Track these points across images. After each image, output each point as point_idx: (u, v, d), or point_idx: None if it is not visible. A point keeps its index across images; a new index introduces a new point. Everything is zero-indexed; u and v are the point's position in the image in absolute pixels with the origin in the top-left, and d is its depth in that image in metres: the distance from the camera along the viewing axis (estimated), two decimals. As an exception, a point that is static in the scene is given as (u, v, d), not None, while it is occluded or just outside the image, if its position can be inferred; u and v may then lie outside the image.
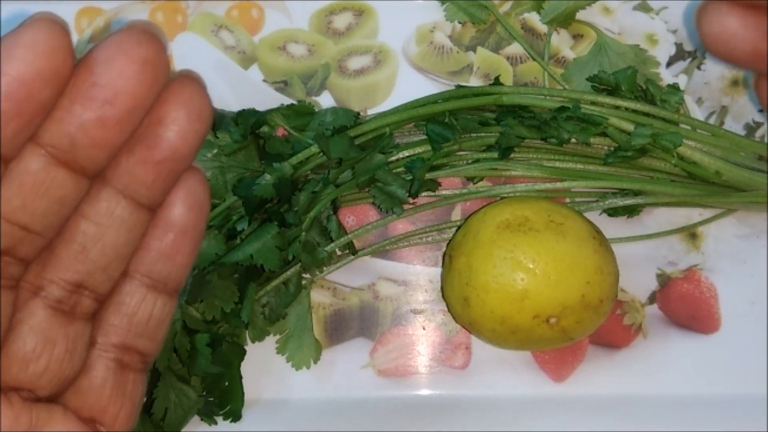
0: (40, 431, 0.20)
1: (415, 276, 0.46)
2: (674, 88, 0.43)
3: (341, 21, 0.48)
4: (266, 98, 0.47)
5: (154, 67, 0.18)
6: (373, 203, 0.43)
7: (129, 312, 0.22)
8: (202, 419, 0.42)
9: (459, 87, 0.45)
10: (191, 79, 0.20)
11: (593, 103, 0.42)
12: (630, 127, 0.41)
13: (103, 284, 0.21)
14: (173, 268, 0.22)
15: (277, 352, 0.44)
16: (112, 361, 0.22)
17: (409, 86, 0.47)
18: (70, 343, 0.21)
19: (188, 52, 0.48)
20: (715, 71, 0.47)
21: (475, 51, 0.48)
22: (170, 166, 0.20)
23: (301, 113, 0.44)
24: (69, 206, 0.19)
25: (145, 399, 0.39)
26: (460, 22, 0.47)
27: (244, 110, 0.42)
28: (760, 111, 0.46)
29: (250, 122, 0.41)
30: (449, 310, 0.43)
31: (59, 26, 0.17)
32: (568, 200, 0.45)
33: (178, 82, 0.19)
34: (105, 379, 0.22)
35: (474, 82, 0.47)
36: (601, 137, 0.42)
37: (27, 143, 0.18)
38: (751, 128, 0.46)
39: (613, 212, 0.44)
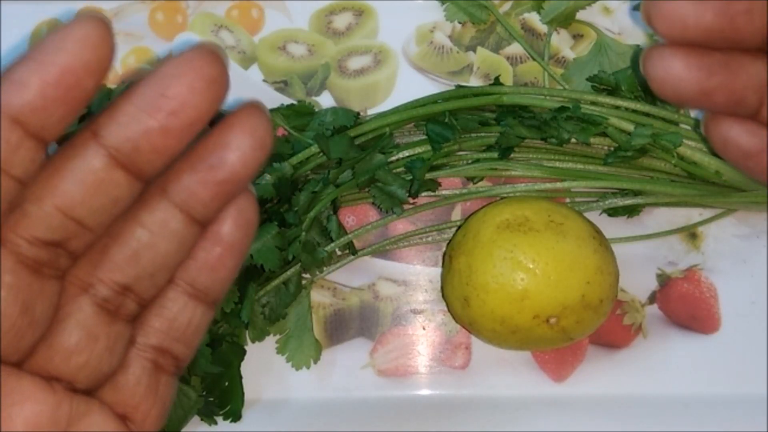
0: (77, 421, 0.21)
1: (415, 276, 0.46)
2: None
3: (341, 21, 0.48)
4: (266, 98, 0.47)
5: (218, 85, 0.20)
6: (373, 203, 0.43)
7: (170, 317, 0.23)
8: (202, 419, 0.42)
9: (459, 87, 0.45)
10: (258, 109, 0.21)
11: (593, 103, 0.42)
12: (630, 127, 0.41)
13: (148, 290, 0.22)
14: (216, 280, 0.23)
15: (277, 352, 0.44)
16: (148, 362, 0.23)
17: (409, 86, 0.47)
18: (111, 342, 0.22)
19: (188, 52, 0.48)
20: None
21: (475, 51, 0.48)
22: (228, 188, 0.21)
23: (301, 113, 0.44)
24: (121, 207, 0.21)
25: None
26: (460, 22, 0.47)
27: (244, 110, 0.42)
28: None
29: (250, 122, 0.41)
30: (449, 310, 0.43)
31: (104, 23, 0.19)
32: (568, 200, 0.45)
33: (247, 110, 0.21)
34: (140, 377, 0.23)
35: (474, 82, 0.47)
36: (601, 137, 0.42)
37: (92, 143, 0.20)
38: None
39: (613, 212, 0.44)
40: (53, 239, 0.20)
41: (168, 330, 0.23)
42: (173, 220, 0.21)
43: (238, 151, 0.21)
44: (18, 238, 0.20)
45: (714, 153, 0.42)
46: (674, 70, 0.23)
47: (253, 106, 0.21)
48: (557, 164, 0.43)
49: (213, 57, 0.20)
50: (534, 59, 0.47)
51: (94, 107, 0.43)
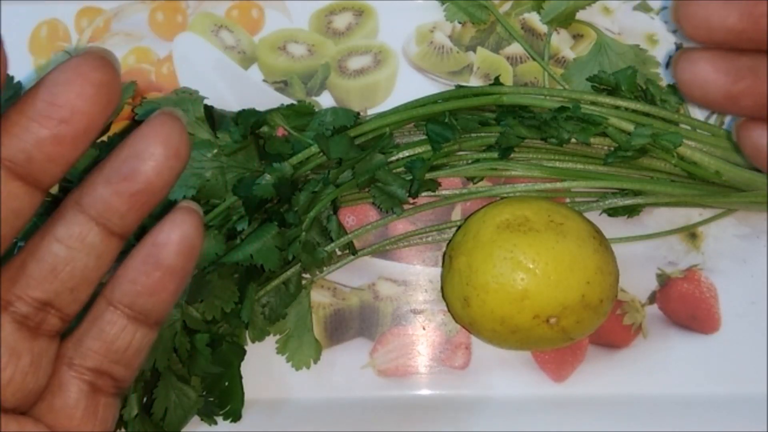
0: None
1: (415, 276, 0.46)
2: (674, 88, 0.43)
3: (341, 21, 0.48)
4: (266, 98, 0.47)
5: (108, 90, 0.20)
6: (373, 203, 0.43)
7: (108, 339, 0.23)
8: (202, 419, 0.42)
9: (459, 87, 0.45)
10: (172, 117, 0.21)
11: (593, 103, 0.42)
12: (630, 127, 0.41)
13: (70, 305, 0.22)
14: (157, 303, 0.22)
15: (277, 352, 0.44)
16: (85, 384, 0.23)
17: (409, 86, 0.47)
18: (35, 358, 0.22)
19: (188, 52, 0.48)
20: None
21: (475, 51, 0.48)
22: (144, 198, 0.21)
23: (301, 113, 0.44)
24: (24, 218, 0.21)
25: (119, 417, 0.40)
26: (460, 22, 0.47)
27: (244, 110, 0.42)
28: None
29: (250, 122, 0.41)
30: (449, 310, 0.43)
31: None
32: (568, 200, 0.45)
33: (159, 118, 0.21)
34: (78, 400, 0.23)
35: (474, 82, 0.47)
36: (601, 137, 0.42)
37: None
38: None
39: (613, 212, 0.44)
40: None
41: (106, 352, 0.23)
42: (90, 233, 0.21)
43: (151, 160, 0.20)
44: None
45: (714, 153, 0.42)
46: (702, 74, 0.23)
47: (166, 114, 0.21)
48: (557, 164, 0.43)
49: (101, 62, 0.20)
50: (534, 59, 0.47)
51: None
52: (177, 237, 0.22)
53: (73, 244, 0.21)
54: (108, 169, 0.21)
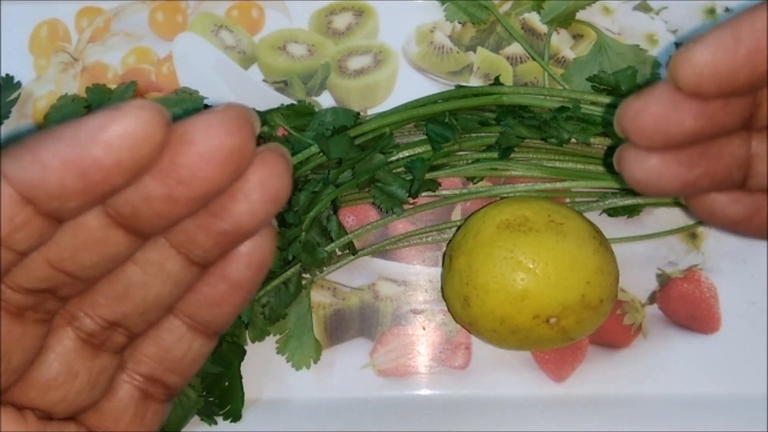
0: None
1: (415, 276, 0.46)
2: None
3: (341, 21, 0.48)
4: (266, 98, 0.47)
5: (239, 158, 0.17)
6: (373, 203, 0.43)
7: (165, 347, 0.21)
8: (202, 419, 0.42)
9: (459, 87, 0.45)
10: (277, 156, 0.18)
11: (593, 103, 0.42)
12: (630, 127, 0.41)
13: (138, 326, 0.21)
14: (219, 315, 0.21)
15: (277, 352, 0.44)
16: (137, 390, 0.22)
17: (409, 86, 0.47)
18: (93, 377, 0.21)
19: (188, 52, 0.48)
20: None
21: (475, 51, 0.48)
22: (232, 238, 0.19)
23: (301, 113, 0.44)
24: (120, 261, 0.19)
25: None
26: (460, 22, 0.47)
27: (244, 110, 0.42)
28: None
29: (250, 122, 0.41)
30: (449, 310, 0.43)
31: (157, 116, 0.16)
32: (568, 200, 0.45)
33: (263, 158, 0.18)
34: (127, 405, 0.22)
35: (474, 82, 0.47)
36: (601, 137, 0.42)
37: None
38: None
39: (613, 212, 0.44)
40: (39, 288, 0.18)
41: (161, 360, 0.22)
42: (169, 261, 0.19)
43: (245, 202, 0.18)
44: (1, 284, 0.18)
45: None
46: (654, 170, 0.22)
47: (272, 153, 0.18)
48: (557, 164, 0.43)
49: (237, 124, 0.17)
50: (534, 59, 0.47)
51: (94, 109, 0.44)
52: (248, 249, 0.20)
53: (149, 270, 0.19)
54: None
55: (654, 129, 0.21)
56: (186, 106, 0.42)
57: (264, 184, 0.18)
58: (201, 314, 0.21)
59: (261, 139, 0.43)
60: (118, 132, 0.16)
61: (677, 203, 0.44)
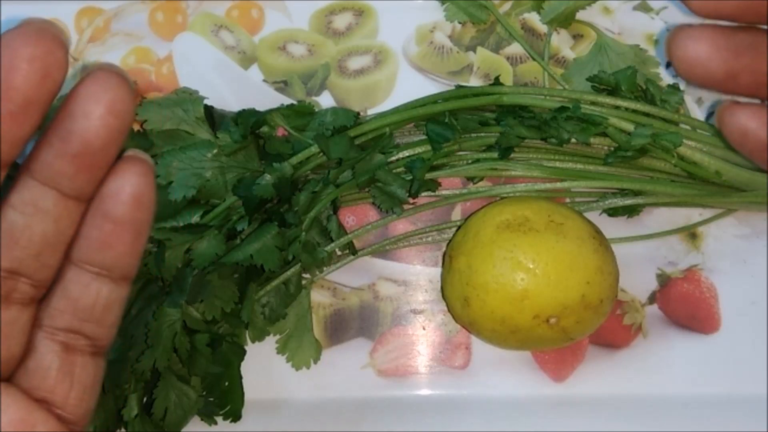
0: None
1: (415, 276, 0.46)
2: (674, 88, 0.43)
3: (341, 21, 0.48)
4: (266, 98, 0.47)
5: (44, 64, 0.19)
6: (373, 203, 0.43)
7: (73, 297, 0.22)
8: (202, 419, 0.42)
9: (459, 87, 0.45)
10: (109, 73, 0.20)
11: (593, 103, 0.42)
12: (630, 127, 0.41)
13: (39, 271, 0.22)
14: (115, 256, 0.22)
15: (277, 352, 0.44)
16: (57, 344, 0.23)
17: (409, 86, 0.47)
18: (7, 327, 0.21)
19: (188, 52, 0.48)
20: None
21: (475, 51, 0.48)
22: (88, 159, 0.20)
23: (301, 113, 0.44)
24: None
25: (119, 417, 0.40)
26: (460, 22, 0.47)
27: (244, 110, 0.42)
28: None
29: (250, 122, 0.41)
30: (449, 310, 0.43)
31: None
32: (568, 200, 0.45)
33: (93, 75, 0.20)
34: (51, 360, 0.23)
35: (474, 82, 0.47)
36: (601, 137, 0.42)
37: None
38: (751, 128, 0.46)
39: (613, 212, 0.44)
40: None
41: (74, 311, 0.22)
42: (42, 198, 0.21)
43: (84, 119, 0.20)
44: None
45: (714, 153, 0.42)
46: (702, 51, 0.22)
47: (104, 70, 0.20)
48: (557, 164, 0.43)
49: (37, 34, 0.20)
50: (534, 59, 0.47)
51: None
52: (125, 187, 0.21)
53: (26, 210, 0.21)
54: (49, 131, 0.20)
55: None
56: (186, 106, 0.42)
57: (98, 98, 0.20)
58: (98, 258, 0.22)
59: (260, 139, 0.43)
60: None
61: (677, 203, 0.44)
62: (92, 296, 0.22)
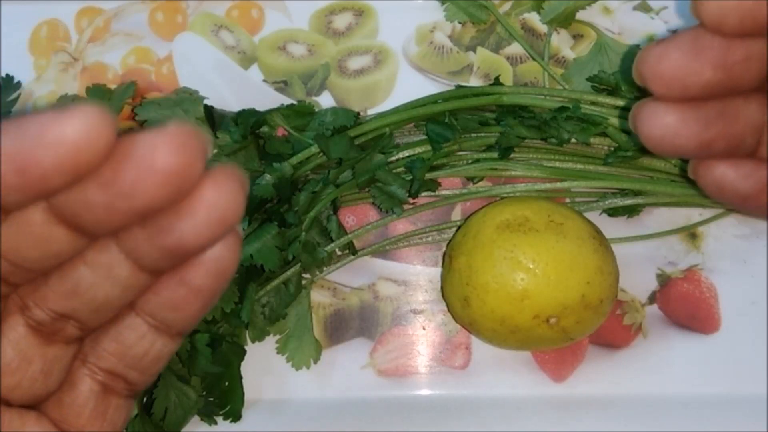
0: None
1: (415, 276, 0.46)
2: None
3: (341, 21, 0.48)
4: (266, 98, 0.47)
5: (182, 178, 0.17)
6: (373, 203, 0.43)
7: (126, 344, 0.22)
8: (202, 419, 0.42)
9: (459, 87, 0.45)
10: (229, 178, 0.18)
11: (593, 103, 0.42)
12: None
13: (91, 321, 0.21)
14: (180, 318, 0.21)
15: (277, 352, 0.44)
16: (97, 384, 0.22)
17: (409, 86, 0.47)
18: (47, 365, 0.21)
19: (188, 52, 0.48)
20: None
21: (475, 51, 0.48)
22: (177, 253, 0.19)
23: (301, 113, 0.44)
24: (65, 257, 0.19)
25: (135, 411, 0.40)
26: (460, 22, 0.47)
27: (244, 110, 0.42)
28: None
29: (250, 122, 0.41)
30: (449, 310, 0.43)
31: (104, 122, 0.16)
32: (568, 200, 0.45)
33: (214, 179, 0.18)
34: (88, 398, 0.22)
35: (474, 82, 0.47)
36: (601, 137, 0.42)
37: None
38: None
39: (613, 212, 0.44)
40: None
41: (122, 356, 0.22)
42: (119, 266, 0.19)
43: (190, 221, 0.18)
44: None
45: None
46: (671, 127, 0.22)
47: (226, 173, 0.18)
48: (557, 164, 0.43)
49: (184, 143, 0.17)
50: (534, 59, 0.47)
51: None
52: (210, 258, 0.20)
53: (99, 272, 0.20)
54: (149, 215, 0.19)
55: (673, 76, 0.21)
56: (186, 106, 0.42)
57: (211, 205, 0.18)
58: (162, 315, 0.21)
59: (260, 139, 0.43)
60: (61, 135, 0.16)
61: (677, 203, 0.44)
62: (145, 347, 0.22)
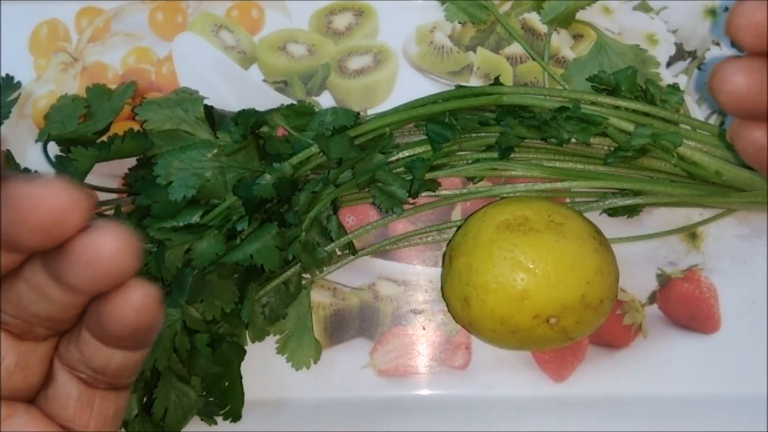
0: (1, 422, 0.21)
1: (415, 276, 0.46)
2: (674, 88, 0.43)
3: (341, 21, 0.48)
4: (266, 98, 0.47)
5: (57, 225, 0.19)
6: (373, 203, 0.43)
7: (86, 356, 0.22)
8: (202, 419, 0.42)
9: (459, 87, 0.45)
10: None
11: (593, 103, 0.42)
12: (630, 127, 0.41)
13: (53, 326, 0.22)
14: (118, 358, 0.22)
15: (277, 352, 0.44)
16: (75, 378, 0.23)
17: (409, 86, 0.47)
18: (22, 358, 0.22)
19: (188, 52, 0.48)
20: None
21: (475, 51, 0.48)
22: (95, 279, 0.20)
23: (301, 113, 0.44)
24: (3, 271, 0.20)
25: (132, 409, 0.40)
26: (460, 22, 0.47)
27: (244, 110, 0.42)
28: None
29: (250, 122, 0.41)
30: (449, 310, 0.43)
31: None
32: (568, 200, 0.45)
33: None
34: (69, 391, 0.23)
35: (474, 82, 0.47)
36: (601, 137, 0.42)
37: None
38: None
39: (613, 212, 0.44)
40: None
41: (86, 364, 0.22)
42: (49, 288, 0.20)
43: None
44: None
45: (714, 153, 0.42)
46: (755, 84, 0.22)
47: (111, 227, 0.20)
48: (557, 164, 0.43)
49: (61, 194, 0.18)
50: (534, 59, 0.47)
51: (93, 109, 0.43)
52: (130, 310, 0.21)
53: (36, 290, 0.20)
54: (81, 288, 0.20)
55: (756, 24, 0.22)
56: (186, 106, 0.42)
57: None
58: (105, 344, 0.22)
59: (260, 139, 0.43)
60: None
61: (677, 203, 0.44)
62: (104, 360, 0.22)
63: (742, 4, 0.22)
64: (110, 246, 0.19)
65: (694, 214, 0.45)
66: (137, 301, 0.20)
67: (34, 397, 0.23)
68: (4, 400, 0.22)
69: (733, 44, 0.23)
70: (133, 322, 0.21)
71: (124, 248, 0.19)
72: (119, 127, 0.44)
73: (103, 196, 0.44)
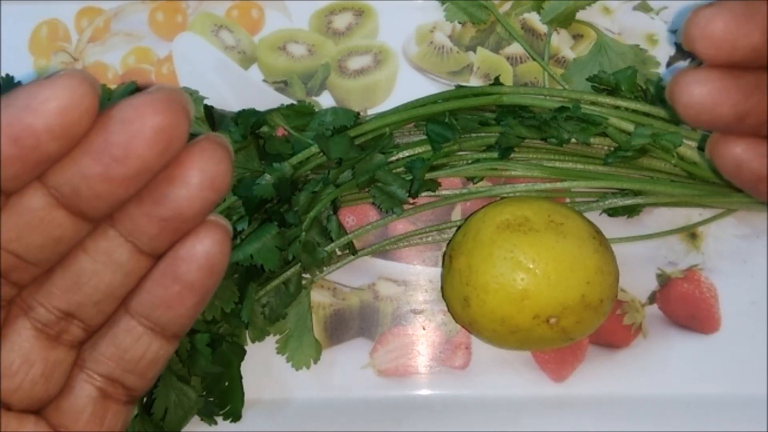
0: None
1: (415, 276, 0.46)
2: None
3: (341, 21, 0.48)
4: (266, 98, 0.47)
5: (170, 136, 0.18)
6: (373, 203, 0.43)
7: (122, 347, 0.22)
8: (202, 419, 0.42)
9: (459, 87, 0.45)
10: (215, 145, 0.19)
11: (593, 103, 0.42)
12: (630, 127, 0.41)
13: (94, 317, 0.21)
14: (174, 316, 0.22)
15: (277, 352, 0.44)
16: (95, 389, 0.22)
17: (409, 86, 0.47)
18: (48, 368, 0.21)
19: (188, 52, 0.48)
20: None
21: (475, 51, 0.48)
22: (174, 225, 0.20)
23: (301, 113, 0.44)
24: (66, 244, 0.20)
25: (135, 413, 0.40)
26: (460, 22, 0.47)
27: (244, 110, 0.42)
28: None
29: (250, 122, 0.41)
30: (449, 310, 0.43)
31: (86, 85, 0.18)
32: (568, 200, 0.45)
33: (201, 146, 0.19)
34: (86, 404, 0.22)
35: (474, 82, 0.47)
36: (601, 137, 0.42)
37: (34, 181, 0.19)
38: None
39: (613, 212, 0.44)
40: None
41: (119, 360, 0.22)
42: (118, 250, 0.20)
43: (183, 188, 0.19)
44: None
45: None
46: (710, 96, 0.22)
47: (211, 142, 0.19)
48: (557, 164, 0.43)
49: (164, 104, 0.18)
50: (534, 59, 0.47)
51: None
52: (200, 252, 0.20)
53: (99, 258, 0.20)
54: (143, 189, 0.19)
55: (723, 38, 0.21)
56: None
57: (202, 170, 0.19)
58: (156, 315, 0.21)
59: (260, 139, 0.43)
60: (48, 99, 0.17)
61: (677, 203, 0.44)
62: (141, 350, 0.22)
63: (697, 13, 0.22)
64: (212, 165, 0.19)
65: (694, 214, 0.45)
66: (218, 237, 0.20)
67: (40, 408, 0.22)
68: (20, 412, 0.21)
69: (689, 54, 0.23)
70: (211, 262, 0.20)
71: (225, 165, 0.19)
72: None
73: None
